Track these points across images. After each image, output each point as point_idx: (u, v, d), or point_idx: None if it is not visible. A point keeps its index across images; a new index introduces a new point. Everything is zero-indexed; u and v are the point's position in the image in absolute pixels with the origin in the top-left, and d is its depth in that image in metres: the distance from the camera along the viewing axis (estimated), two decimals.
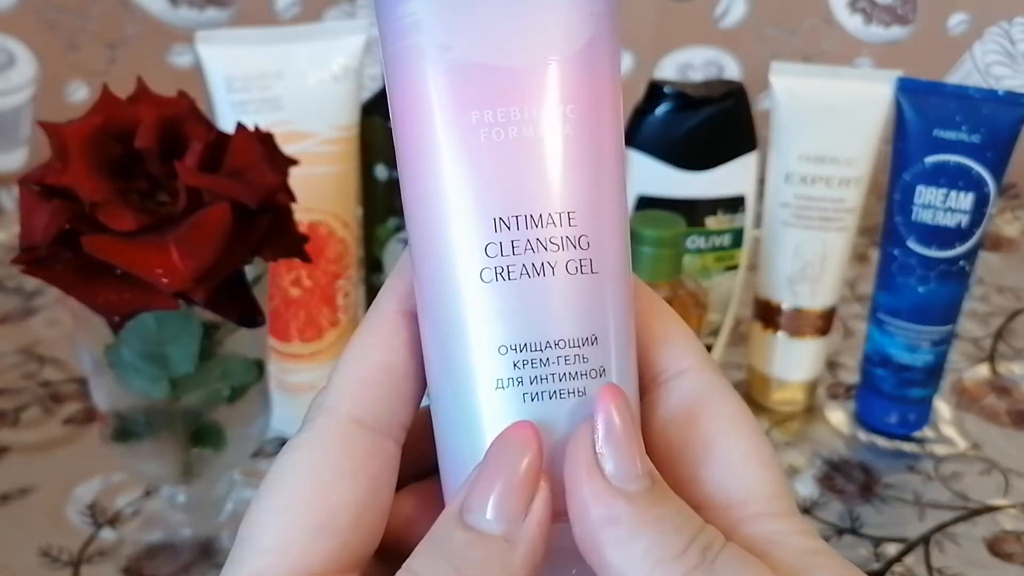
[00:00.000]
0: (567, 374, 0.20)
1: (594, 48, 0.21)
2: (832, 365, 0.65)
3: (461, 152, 0.20)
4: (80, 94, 0.81)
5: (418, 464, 0.22)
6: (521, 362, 0.20)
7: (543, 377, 0.20)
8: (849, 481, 0.54)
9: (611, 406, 0.19)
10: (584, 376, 0.20)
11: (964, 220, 0.52)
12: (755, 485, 0.21)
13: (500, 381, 0.20)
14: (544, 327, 0.20)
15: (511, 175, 0.20)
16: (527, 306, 0.20)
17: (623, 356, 0.21)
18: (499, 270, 0.20)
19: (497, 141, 0.20)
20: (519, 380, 0.20)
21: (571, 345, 0.20)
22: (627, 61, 0.86)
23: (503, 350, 0.20)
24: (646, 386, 0.22)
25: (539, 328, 0.20)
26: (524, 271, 0.20)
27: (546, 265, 0.20)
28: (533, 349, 0.20)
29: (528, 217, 0.20)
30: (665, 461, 0.21)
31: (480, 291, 0.20)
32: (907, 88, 0.53)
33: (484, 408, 0.20)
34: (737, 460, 0.21)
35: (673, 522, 0.19)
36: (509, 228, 0.20)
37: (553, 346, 0.20)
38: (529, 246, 0.20)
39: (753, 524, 0.20)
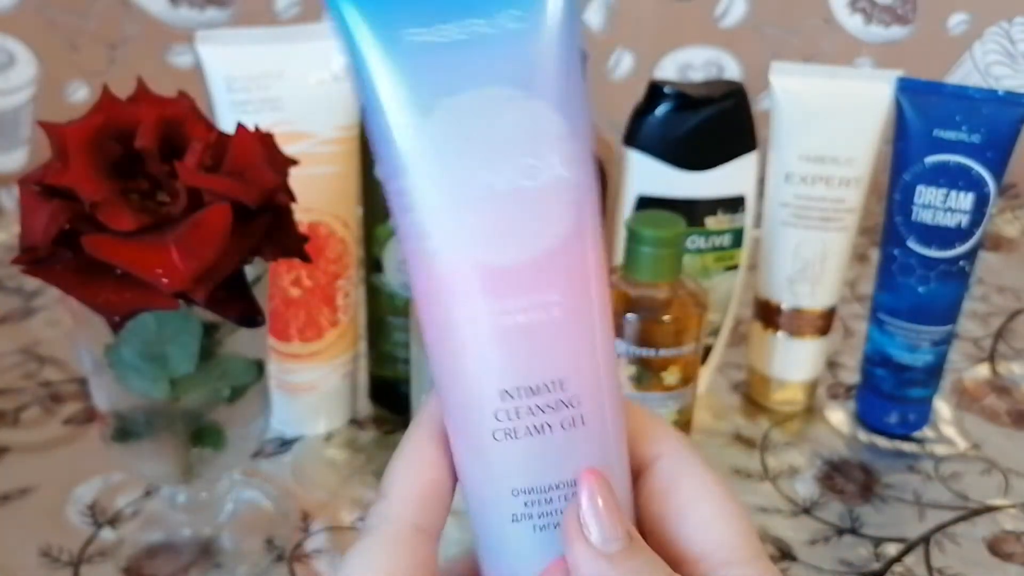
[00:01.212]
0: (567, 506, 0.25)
1: (578, 233, 0.24)
2: (832, 365, 0.65)
3: (470, 338, 0.24)
4: (80, 94, 0.81)
5: None
6: (530, 502, 0.25)
7: (548, 512, 0.25)
8: (849, 481, 0.54)
9: (592, 487, 0.24)
10: None
11: (964, 220, 0.52)
12: (722, 538, 0.25)
13: (515, 516, 0.25)
14: (546, 474, 0.25)
15: (512, 355, 0.24)
16: (531, 459, 0.24)
17: (616, 481, 0.25)
18: (507, 431, 0.24)
19: (497, 328, 0.24)
20: (529, 515, 0.25)
21: (569, 485, 0.25)
22: (627, 61, 0.86)
23: (515, 492, 0.25)
24: (636, 472, 0.27)
25: (542, 475, 0.25)
26: (527, 431, 0.24)
27: (544, 425, 0.24)
28: (539, 491, 0.25)
29: (528, 388, 0.24)
30: (653, 528, 0.26)
31: (492, 448, 0.24)
32: (907, 88, 0.53)
33: (505, 534, 0.25)
34: (706, 520, 0.25)
35: (645, 570, 0.24)
36: (513, 398, 0.24)
37: (555, 488, 0.25)
38: (530, 411, 0.24)
39: (723, 570, 0.25)
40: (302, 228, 0.47)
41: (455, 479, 0.26)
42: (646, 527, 0.26)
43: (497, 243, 0.24)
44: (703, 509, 0.25)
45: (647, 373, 0.48)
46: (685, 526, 0.25)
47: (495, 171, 0.24)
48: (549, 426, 0.24)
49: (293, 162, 0.41)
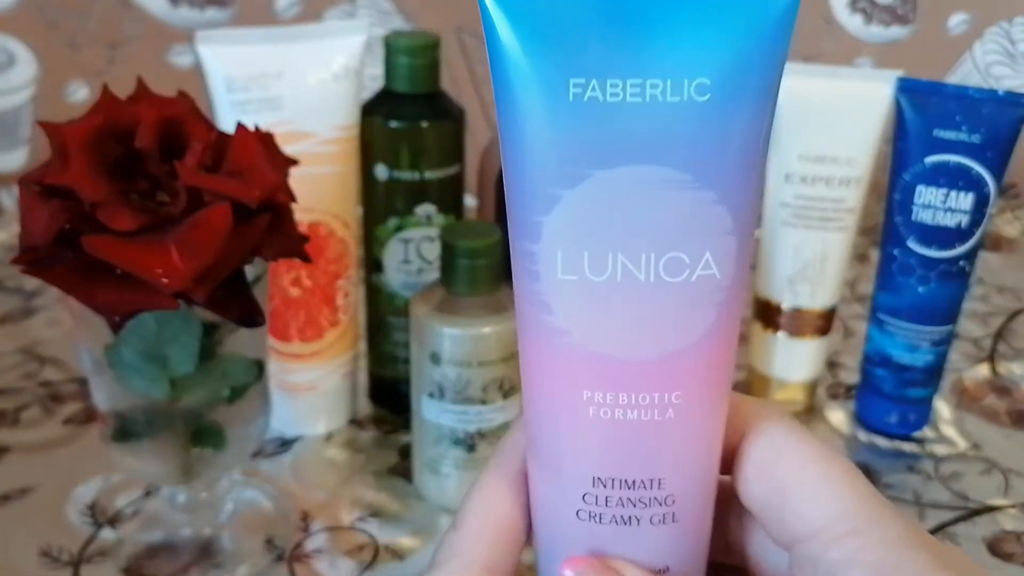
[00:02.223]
0: None
1: (711, 338, 0.22)
2: (832, 365, 0.65)
3: (575, 419, 0.22)
4: (80, 94, 0.81)
5: None
6: None
7: None
8: None
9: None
10: None
11: (964, 220, 0.52)
12: (828, 508, 0.22)
13: None
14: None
15: (614, 447, 0.22)
16: (613, 548, 0.23)
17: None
18: (592, 514, 0.23)
19: (604, 419, 0.22)
20: None
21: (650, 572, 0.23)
22: None
23: None
24: (730, 456, 0.24)
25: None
26: (613, 520, 0.23)
27: (632, 518, 0.23)
28: None
29: (623, 480, 0.23)
30: (761, 514, 0.24)
31: (574, 525, 0.23)
32: (907, 88, 0.53)
33: None
34: (809, 491, 0.23)
35: None
36: (605, 486, 0.23)
37: None
38: (620, 502, 0.23)
39: (835, 548, 0.22)
40: (302, 228, 0.47)
41: (527, 524, 0.25)
42: (753, 515, 0.24)
43: (624, 337, 0.21)
44: (805, 479, 0.23)
45: None
46: (791, 504, 0.23)
47: (637, 259, 0.21)
48: (637, 519, 0.23)
49: (293, 162, 0.41)
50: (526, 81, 0.20)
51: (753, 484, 0.24)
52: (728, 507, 0.25)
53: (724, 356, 0.22)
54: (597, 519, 0.23)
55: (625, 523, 0.23)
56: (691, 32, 0.19)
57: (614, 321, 0.21)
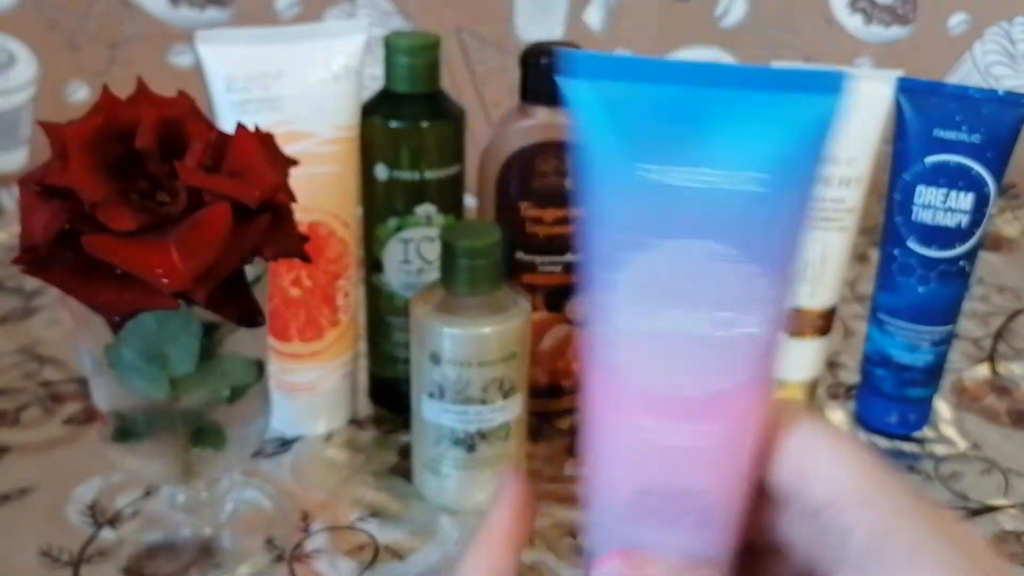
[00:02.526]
0: None
1: (750, 382, 0.25)
2: (832, 365, 0.65)
3: (625, 439, 0.26)
4: (80, 94, 0.81)
5: None
6: None
7: None
8: None
9: None
10: None
11: (964, 220, 0.52)
12: (840, 483, 0.24)
13: None
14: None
15: (660, 465, 0.26)
16: (655, 544, 0.26)
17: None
18: (637, 518, 0.26)
19: (657, 442, 0.25)
20: None
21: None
22: None
23: None
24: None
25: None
26: (657, 524, 0.26)
27: (674, 522, 0.26)
28: None
29: (668, 494, 0.26)
30: (789, 500, 0.26)
31: (622, 526, 0.27)
32: (907, 88, 0.53)
33: None
34: (823, 469, 0.25)
35: None
36: (649, 496, 0.26)
37: None
38: (664, 509, 0.26)
39: (844, 515, 0.24)
40: (302, 228, 0.47)
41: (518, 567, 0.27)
42: (780, 499, 0.26)
43: (676, 378, 0.25)
44: (820, 462, 0.25)
45: None
46: (809, 485, 0.25)
47: (692, 316, 0.24)
48: (679, 522, 0.26)
49: (293, 162, 0.41)
50: (603, 164, 0.24)
51: (780, 475, 0.26)
52: (759, 494, 0.28)
53: (762, 395, 0.25)
54: (643, 522, 0.27)
55: (668, 525, 0.27)
56: (747, 129, 0.23)
57: (667, 363, 0.25)
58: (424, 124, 0.51)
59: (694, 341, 0.25)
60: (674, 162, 0.23)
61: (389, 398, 0.58)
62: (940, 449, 0.57)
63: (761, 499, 0.27)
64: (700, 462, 0.26)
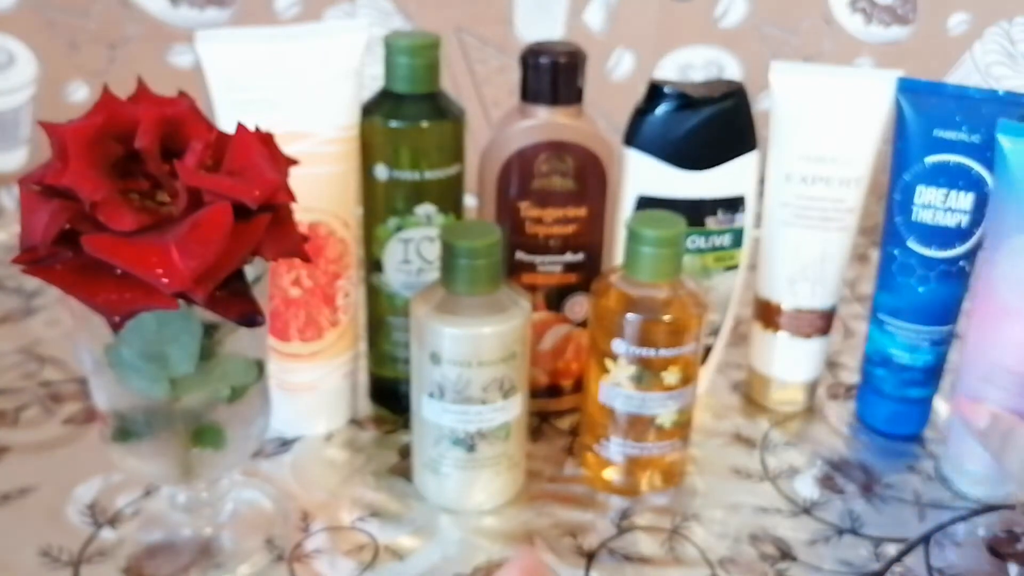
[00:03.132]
0: None
1: None
2: (832, 365, 0.65)
3: (992, 334, 0.52)
4: (80, 94, 0.81)
5: None
6: None
7: None
8: (849, 481, 0.54)
9: None
10: None
11: (964, 220, 0.52)
12: None
13: None
14: None
15: (1012, 354, 0.50)
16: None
17: None
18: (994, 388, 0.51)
19: (1011, 339, 0.50)
20: None
21: None
22: (627, 61, 0.86)
23: None
24: None
25: None
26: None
27: None
28: None
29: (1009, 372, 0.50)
30: None
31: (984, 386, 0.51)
32: (907, 88, 0.53)
33: None
34: None
35: None
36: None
37: None
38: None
39: None
40: (302, 228, 0.47)
41: None
42: None
43: None
44: None
45: (647, 373, 0.48)
46: None
47: None
48: (1008, 389, 0.49)
49: (293, 162, 0.41)
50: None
51: None
52: None
53: None
54: (988, 384, 0.49)
55: (1002, 390, 0.48)
56: None
57: None
58: (424, 124, 0.51)
59: None
60: None
61: (389, 398, 0.58)
62: (940, 449, 0.57)
63: None
64: None
